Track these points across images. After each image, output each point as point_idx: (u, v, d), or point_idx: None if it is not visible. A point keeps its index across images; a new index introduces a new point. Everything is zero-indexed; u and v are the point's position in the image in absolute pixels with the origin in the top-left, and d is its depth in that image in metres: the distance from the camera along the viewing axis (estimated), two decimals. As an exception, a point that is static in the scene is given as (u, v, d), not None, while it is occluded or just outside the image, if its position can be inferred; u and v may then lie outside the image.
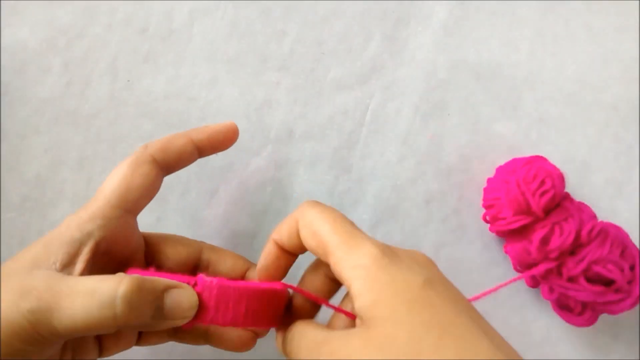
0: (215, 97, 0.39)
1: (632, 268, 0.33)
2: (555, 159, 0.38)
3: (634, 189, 0.38)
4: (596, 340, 0.37)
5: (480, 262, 0.37)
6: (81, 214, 0.27)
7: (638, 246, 0.37)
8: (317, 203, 0.27)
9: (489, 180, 0.37)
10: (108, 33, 0.40)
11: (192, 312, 0.25)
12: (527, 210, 0.33)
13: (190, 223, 0.38)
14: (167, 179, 0.39)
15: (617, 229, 0.34)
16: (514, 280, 0.34)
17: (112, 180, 0.28)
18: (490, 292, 0.32)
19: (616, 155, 0.38)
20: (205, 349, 0.31)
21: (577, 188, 0.38)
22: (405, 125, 0.39)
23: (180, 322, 0.25)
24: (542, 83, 0.39)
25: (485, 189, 0.37)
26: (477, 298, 0.31)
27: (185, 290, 0.25)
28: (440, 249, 0.38)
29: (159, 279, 0.25)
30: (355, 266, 0.24)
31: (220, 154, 0.39)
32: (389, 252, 0.24)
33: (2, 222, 0.38)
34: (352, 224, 0.26)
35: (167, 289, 0.25)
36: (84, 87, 0.39)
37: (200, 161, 0.39)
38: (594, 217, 0.35)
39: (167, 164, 0.29)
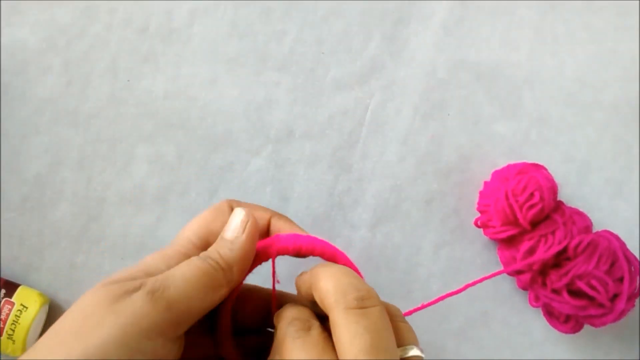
0: (215, 97, 0.39)
1: (621, 280, 0.32)
2: (555, 159, 0.38)
3: (634, 188, 0.38)
4: (596, 340, 0.37)
5: (480, 262, 0.37)
6: (167, 251, 0.27)
7: (638, 247, 0.37)
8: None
9: (485, 183, 0.37)
10: (108, 33, 0.40)
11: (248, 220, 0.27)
12: (514, 222, 0.34)
13: (190, 223, 0.38)
14: (167, 179, 0.39)
15: (610, 240, 0.33)
16: (496, 274, 0.34)
17: (195, 223, 0.28)
18: (474, 284, 0.32)
19: (616, 155, 0.38)
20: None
21: (577, 188, 0.38)
22: (405, 125, 0.39)
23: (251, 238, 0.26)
24: (542, 83, 0.39)
25: (480, 193, 0.37)
26: (460, 291, 0.31)
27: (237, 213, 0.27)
28: (440, 249, 0.38)
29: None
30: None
31: (220, 154, 0.39)
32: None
33: (2, 221, 0.38)
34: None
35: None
36: (84, 87, 0.39)
37: (200, 161, 0.39)
38: (588, 227, 0.34)
39: None
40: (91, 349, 0.22)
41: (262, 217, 0.30)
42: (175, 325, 0.24)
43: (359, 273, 0.28)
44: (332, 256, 0.29)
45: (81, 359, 0.21)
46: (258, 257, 0.28)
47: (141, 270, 0.25)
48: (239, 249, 0.26)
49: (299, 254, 0.28)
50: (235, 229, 0.27)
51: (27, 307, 0.36)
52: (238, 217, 0.27)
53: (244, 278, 0.27)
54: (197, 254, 0.26)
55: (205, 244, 0.27)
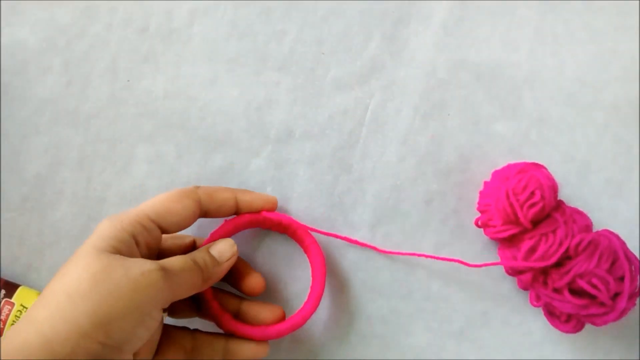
0: (215, 97, 0.39)
1: (622, 279, 0.33)
2: (555, 159, 0.38)
3: (634, 189, 0.38)
4: (596, 340, 0.37)
5: (480, 262, 0.37)
6: (122, 217, 0.30)
7: (638, 247, 0.37)
8: None
9: (485, 183, 0.37)
10: (108, 33, 0.40)
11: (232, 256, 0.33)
12: (515, 221, 0.34)
13: (190, 223, 0.38)
14: (168, 179, 0.39)
15: (611, 239, 0.33)
16: (493, 264, 0.35)
17: (158, 198, 0.32)
18: (465, 264, 0.36)
19: (616, 155, 0.38)
20: None
21: (577, 188, 0.38)
22: (405, 125, 0.39)
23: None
24: (542, 83, 0.39)
25: (480, 193, 0.37)
26: (447, 259, 0.36)
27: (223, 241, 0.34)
28: (440, 249, 0.38)
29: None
30: None
31: (220, 153, 0.39)
32: None
33: (2, 221, 0.39)
34: None
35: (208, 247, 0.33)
36: (84, 87, 0.39)
37: (200, 161, 0.39)
38: (589, 226, 0.34)
39: (207, 209, 0.34)
40: (114, 311, 0.26)
41: (230, 198, 0.35)
42: (169, 302, 0.29)
43: (322, 257, 0.36)
44: (302, 235, 0.36)
45: (105, 320, 0.26)
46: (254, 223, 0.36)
47: (113, 238, 0.29)
48: (219, 272, 0.32)
49: (280, 225, 0.36)
50: (221, 253, 0.33)
51: (27, 308, 0.36)
52: (228, 245, 0.33)
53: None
54: (150, 226, 0.31)
55: (160, 220, 0.31)
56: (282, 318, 0.35)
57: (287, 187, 0.39)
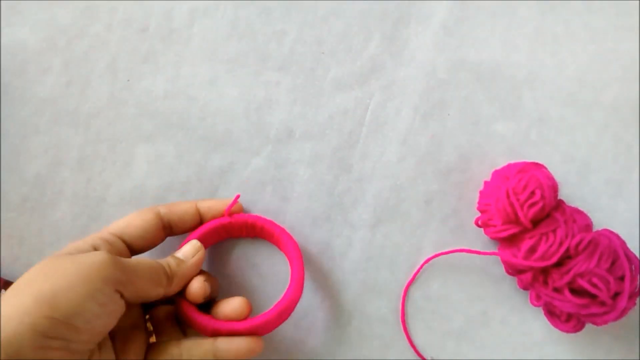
0: (215, 97, 0.39)
1: (622, 278, 0.33)
2: (554, 159, 0.38)
3: (634, 189, 0.38)
4: (596, 340, 0.37)
5: (480, 262, 0.37)
6: (85, 237, 0.32)
7: (638, 247, 0.37)
8: None
9: (485, 183, 0.37)
10: (108, 33, 0.40)
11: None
12: (515, 221, 0.34)
13: (190, 223, 0.38)
14: (168, 179, 0.39)
15: (611, 238, 0.33)
16: (489, 253, 0.36)
17: (121, 220, 0.34)
18: (461, 251, 0.37)
19: (616, 155, 0.38)
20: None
21: (577, 188, 0.38)
22: (405, 125, 0.39)
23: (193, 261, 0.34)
24: (542, 83, 0.39)
25: (480, 192, 0.37)
26: (445, 253, 0.37)
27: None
28: (440, 249, 0.38)
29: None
30: None
31: (220, 153, 0.39)
32: None
33: (2, 221, 0.38)
34: None
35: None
36: (83, 87, 0.39)
37: (200, 161, 0.39)
38: (589, 225, 0.35)
39: (170, 220, 0.35)
40: (57, 286, 0.26)
41: (190, 207, 0.36)
42: (124, 286, 0.28)
43: (294, 242, 0.36)
44: (270, 229, 0.36)
45: (49, 295, 0.26)
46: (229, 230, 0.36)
47: (73, 249, 0.31)
48: (184, 269, 0.33)
49: (247, 225, 0.36)
50: (186, 253, 0.33)
51: None
52: (192, 245, 0.34)
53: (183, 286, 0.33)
54: (112, 239, 0.32)
55: (121, 233, 0.33)
56: (249, 307, 0.34)
57: (287, 187, 0.39)
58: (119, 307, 0.29)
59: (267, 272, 0.38)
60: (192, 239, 0.35)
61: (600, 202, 0.38)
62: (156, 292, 0.31)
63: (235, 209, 0.36)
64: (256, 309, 0.36)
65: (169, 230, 0.35)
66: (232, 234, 0.37)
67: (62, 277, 0.27)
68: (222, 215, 0.36)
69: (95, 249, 0.31)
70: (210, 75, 0.40)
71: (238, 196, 0.36)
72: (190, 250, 0.34)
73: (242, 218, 0.36)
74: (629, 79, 0.39)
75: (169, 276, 0.32)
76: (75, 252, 0.30)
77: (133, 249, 0.34)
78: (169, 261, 0.32)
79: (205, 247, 0.35)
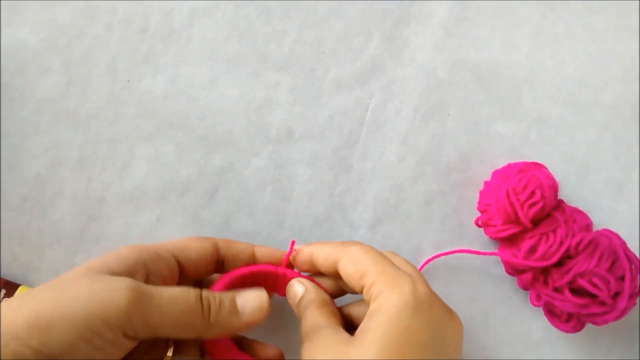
0: (215, 97, 0.39)
1: (622, 278, 0.33)
2: (554, 159, 0.38)
3: (634, 189, 0.38)
4: (596, 340, 0.37)
5: (480, 262, 0.37)
6: (140, 245, 0.30)
7: (638, 247, 0.37)
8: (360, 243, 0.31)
9: (485, 183, 0.37)
10: (108, 33, 0.40)
11: (263, 309, 0.28)
12: (515, 220, 0.34)
13: (190, 223, 0.38)
14: (168, 179, 0.39)
15: (611, 238, 0.34)
16: (489, 254, 0.36)
17: (178, 239, 0.32)
18: (461, 251, 0.37)
19: (616, 155, 0.38)
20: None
21: (577, 188, 0.38)
22: (405, 125, 0.39)
23: (252, 318, 0.28)
24: (542, 83, 0.39)
25: (480, 192, 0.37)
26: (445, 254, 0.37)
27: (254, 292, 0.29)
28: (440, 249, 0.38)
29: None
30: (386, 299, 0.27)
31: (220, 153, 0.39)
32: (418, 301, 0.27)
33: (2, 221, 0.38)
34: (391, 262, 0.30)
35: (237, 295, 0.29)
36: (83, 87, 0.39)
37: (200, 161, 0.39)
38: (589, 225, 0.35)
39: (224, 256, 0.33)
40: (57, 314, 0.23)
41: (247, 248, 0.33)
42: (137, 330, 0.25)
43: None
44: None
45: (45, 323, 0.23)
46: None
47: (115, 261, 0.27)
48: (234, 323, 0.28)
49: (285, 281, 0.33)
50: (246, 303, 0.28)
51: None
52: (258, 298, 0.29)
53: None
54: (166, 255, 0.29)
55: (177, 253, 0.30)
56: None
57: (287, 187, 0.39)
58: (121, 350, 0.25)
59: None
60: (236, 275, 0.31)
61: (600, 202, 0.38)
62: (184, 335, 0.27)
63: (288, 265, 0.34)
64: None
65: (221, 265, 0.33)
66: (267, 285, 0.33)
67: (66, 305, 0.24)
68: (279, 264, 0.33)
69: (147, 268, 0.28)
70: (211, 76, 0.40)
71: (293, 242, 0.34)
72: (253, 300, 0.28)
73: (292, 274, 0.33)
74: (629, 79, 0.39)
75: (209, 324, 0.27)
76: (116, 264, 0.27)
77: (185, 273, 0.31)
78: (216, 301, 0.28)
79: (239, 286, 0.31)
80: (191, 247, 0.31)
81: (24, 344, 0.23)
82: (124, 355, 0.26)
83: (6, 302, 0.24)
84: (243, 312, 0.28)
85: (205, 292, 0.27)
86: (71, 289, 0.25)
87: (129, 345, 0.25)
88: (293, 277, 0.32)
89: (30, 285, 0.38)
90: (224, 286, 0.31)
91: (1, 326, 0.23)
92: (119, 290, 0.24)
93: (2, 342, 0.22)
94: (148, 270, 0.28)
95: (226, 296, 0.28)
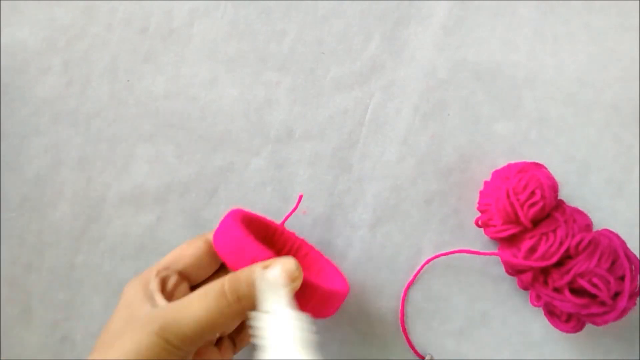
0: (215, 97, 0.39)
1: (622, 278, 0.33)
2: (555, 159, 0.38)
3: (634, 188, 0.38)
4: (596, 340, 0.37)
5: (480, 262, 0.37)
6: (141, 277, 0.31)
7: (638, 248, 0.37)
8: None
9: (485, 183, 0.37)
10: (108, 33, 0.40)
11: (295, 279, 0.27)
12: (515, 221, 0.34)
13: (190, 223, 0.38)
14: (168, 179, 0.39)
15: (611, 238, 0.34)
16: (489, 254, 0.36)
17: (171, 252, 0.32)
18: (461, 252, 0.37)
19: (616, 155, 0.38)
20: None
21: (577, 188, 0.38)
22: (405, 125, 0.39)
23: (288, 289, 0.27)
24: (542, 83, 0.39)
25: (480, 192, 0.37)
26: (445, 254, 0.37)
27: (284, 262, 0.27)
28: (440, 249, 0.38)
29: (254, 266, 0.27)
30: None
31: (220, 154, 0.39)
32: None
33: (2, 221, 0.39)
34: None
35: (266, 267, 0.27)
36: (84, 87, 0.40)
37: (200, 161, 0.39)
38: (589, 225, 0.35)
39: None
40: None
41: None
42: (180, 350, 0.27)
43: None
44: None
45: None
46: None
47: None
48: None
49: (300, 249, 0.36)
50: (276, 274, 0.27)
51: None
52: (288, 265, 0.27)
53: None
54: (164, 273, 0.30)
55: (174, 264, 0.31)
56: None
57: (287, 187, 0.39)
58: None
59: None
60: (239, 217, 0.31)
61: (600, 202, 0.38)
62: (225, 329, 0.30)
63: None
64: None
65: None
66: (272, 247, 0.35)
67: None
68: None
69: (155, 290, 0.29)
70: (210, 75, 0.40)
71: (301, 196, 0.36)
72: (286, 269, 0.27)
73: (292, 234, 0.35)
74: (629, 79, 0.39)
75: (240, 308, 0.27)
76: (130, 306, 0.29)
77: (191, 280, 0.32)
78: (243, 288, 0.27)
79: (249, 225, 0.32)
80: (185, 254, 0.31)
81: None
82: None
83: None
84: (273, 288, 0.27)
85: (228, 283, 0.27)
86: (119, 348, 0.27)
87: (187, 354, 0.27)
88: (288, 236, 0.35)
89: (30, 285, 0.38)
90: (241, 220, 0.31)
91: None
92: (145, 336, 0.26)
93: None
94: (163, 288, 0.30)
95: (255, 275, 0.27)
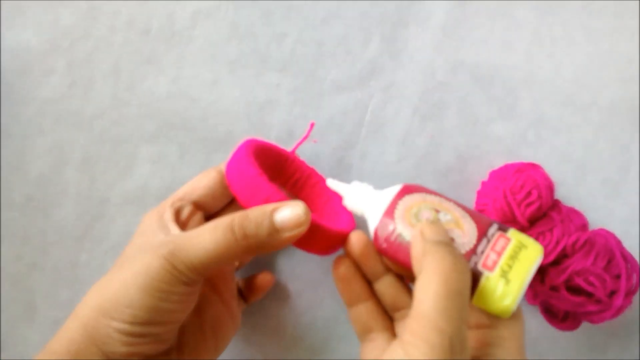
0: (216, 98, 0.40)
1: (618, 277, 0.33)
2: (552, 160, 0.38)
3: (630, 189, 0.38)
4: (594, 339, 0.37)
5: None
6: (159, 208, 0.32)
7: (638, 247, 0.37)
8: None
9: (483, 183, 0.38)
10: (111, 34, 0.40)
11: (303, 223, 0.27)
12: (512, 220, 0.34)
13: (192, 222, 0.39)
14: (170, 179, 0.39)
15: (607, 238, 0.34)
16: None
17: (186, 184, 0.33)
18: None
19: (612, 155, 0.39)
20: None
21: (573, 188, 0.38)
22: (404, 126, 0.39)
23: (293, 234, 0.28)
24: (539, 84, 0.39)
25: (478, 193, 0.38)
26: None
27: (293, 206, 0.28)
28: (438, 248, 0.38)
29: (267, 205, 0.28)
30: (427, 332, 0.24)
31: (221, 153, 0.39)
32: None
33: (5, 221, 0.39)
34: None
35: (275, 209, 0.28)
36: (87, 88, 0.40)
37: (202, 161, 0.39)
38: (585, 225, 0.35)
39: None
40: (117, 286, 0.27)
41: None
42: (187, 277, 0.27)
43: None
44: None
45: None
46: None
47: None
48: (275, 240, 0.28)
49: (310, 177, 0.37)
50: (285, 218, 0.27)
51: (525, 245, 0.28)
52: (297, 208, 0.28)
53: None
54: (178, 204, 0.32)
55: (190, 198, 0.32)
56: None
57: (288, 187, 0.39)
58: (189, 295, 0.28)
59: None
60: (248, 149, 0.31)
61: (596, 202, 0.38)
62: (228, 262, 0.30)
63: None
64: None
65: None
66: (283, 175, 0.36)
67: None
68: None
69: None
70: (212, 77, 0.40)
71: (313, 124, 0.37)
72: (292, 218, 0.27)
73: (302, 163, 0.36)
74: (626, 81, 0.39)
75: (248, 249, 0.28)
76: (140, 249, 0.29)
77: (206, 210, 0.33)
78: (251, 227, 0.27)
79: (260, 154, 0.33)
80: (199, 185, 0.33)
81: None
82: (196, 299, 0.29)
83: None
84: (283, 230, 0.28)
85: (238, 220, 0.27)
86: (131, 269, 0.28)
87: (192, 289, 0.28)
88: (298, 164, 0.36)
89: (32, 284, 0.38)
90: (253, 153, 0.31)
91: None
92: (155, 260, 0.27)
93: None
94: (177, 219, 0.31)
95: (264, 216, 0.28)
